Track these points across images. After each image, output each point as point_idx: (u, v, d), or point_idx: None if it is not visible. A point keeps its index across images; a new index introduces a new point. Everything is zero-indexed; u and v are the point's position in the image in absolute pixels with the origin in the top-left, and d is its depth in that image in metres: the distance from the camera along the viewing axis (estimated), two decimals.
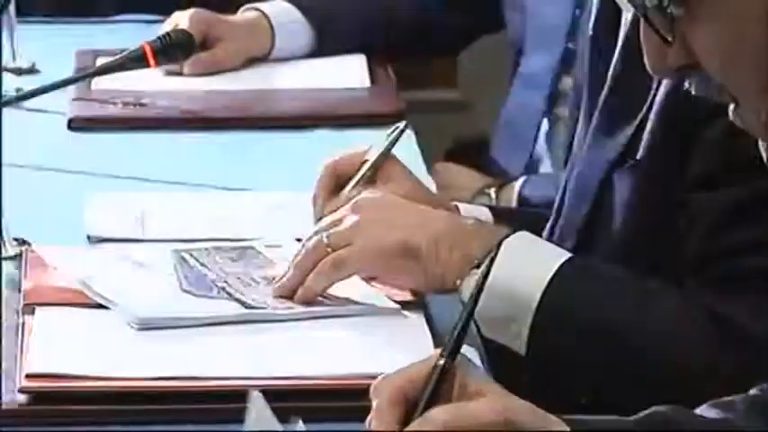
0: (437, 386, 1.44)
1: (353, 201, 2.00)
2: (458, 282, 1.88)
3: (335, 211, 2.01)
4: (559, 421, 1.50)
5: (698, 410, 1.57)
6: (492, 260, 1.53)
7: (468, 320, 1.47)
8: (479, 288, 1.48)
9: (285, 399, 1.60)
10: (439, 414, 1.40)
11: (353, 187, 2.06)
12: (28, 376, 1.75)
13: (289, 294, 1.95)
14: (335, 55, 2.79)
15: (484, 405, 1.45)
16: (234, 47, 2.75)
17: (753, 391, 1.55)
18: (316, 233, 1.97)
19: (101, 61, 2.50)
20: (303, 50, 2.79)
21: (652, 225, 1.89)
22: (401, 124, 2.18)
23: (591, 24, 1.98)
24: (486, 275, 1.50)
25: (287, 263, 1.99)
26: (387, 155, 2.10)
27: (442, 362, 1.44)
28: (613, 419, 1.56)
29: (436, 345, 1.78)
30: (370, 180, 2.07)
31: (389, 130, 2.17)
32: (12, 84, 2.55)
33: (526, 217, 2.08)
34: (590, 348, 1.86)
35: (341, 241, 1.92)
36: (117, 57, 2.42)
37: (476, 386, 1.48)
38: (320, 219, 2.03)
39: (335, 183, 2.10)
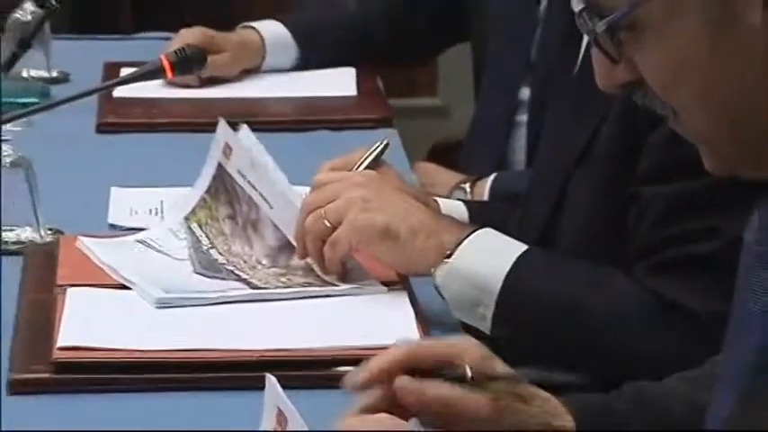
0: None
1: (351, 178, 2.02)
2: (432, 269, 1.91)
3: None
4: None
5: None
6: None
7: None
8: None
9: (285, 368, 1.65)
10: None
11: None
12: (59, 348, 1.78)
13: (303, 257, 1.97)
14: (318, 68, 2.82)
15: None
16: (229, 57, 2.77)
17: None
18: (312, 203, 1.97)
19: (124, 72, 2.52)
20: (289, 64, 2.83)
21: (608, 217, 1.91)
22: (385, 140, 2.18)
23: (553, 41, 1.99)
24: None
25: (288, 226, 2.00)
26: (378, 160, 2.11)
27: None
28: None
29: (418, 321, 1.85)
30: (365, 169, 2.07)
31: (378, 142, 2.17)
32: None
33: (496, 209, 2.09)
34: (547, 329, 1.90)
35: (335, 217, 1.93)
36: (138, 69, 2.43)
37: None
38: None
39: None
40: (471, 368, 1.47)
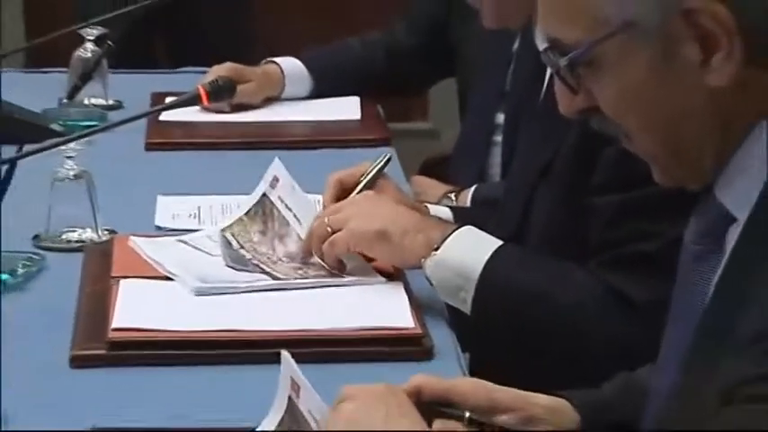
0: None
1: (350, 197, 2.04)
2: (422, 260, 1.90)
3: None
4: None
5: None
6: None
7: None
8: None
9: (300, 345, 1.64)
10: None
11: (356, 194, 2.06)
12: (113, 329, 1.79)
13: (307, 256, 1.98)
14: (329, 96, 2.80)
15: None
16: (255, 87, 2.75)
17: None
18: (322, 217, 1.98)
19: (168, 100, 2.51)
20: (305, 93, 2.81)
21: (566, 220, 1.90)
22: (387, 155, 2.19)
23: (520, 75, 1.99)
24: None
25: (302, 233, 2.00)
26: (380, 173, 2.11)
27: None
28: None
29: (411, 306, 1.85)
30: (369, 189, 2.07)
31: (380, 157, 2.17)
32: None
33: (477, 213, 2.07)
34: (517, 311, 1.88)
35: (337, 225, 1.94)
36: (179, 97, 2.43)
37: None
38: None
39: (340, 189, 2.10)
40: (472, 411, 1.43)
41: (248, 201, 2.09)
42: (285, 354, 1.44)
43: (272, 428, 1.43)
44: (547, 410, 1.49)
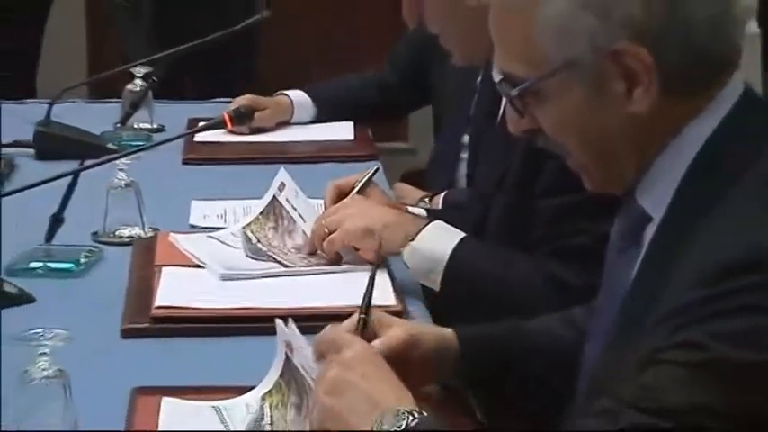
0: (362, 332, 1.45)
1: (342, 203, 2.03)
2: (400, 249, 1.90)
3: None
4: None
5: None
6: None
7: (370, 292, 1.50)
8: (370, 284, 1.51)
9: (305, 320, 1.58)
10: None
11: (351, 197, 2.06)
12: (156, 307, 1.79)
13: (312, 252, 1.97)
14: (328, 122, 2.79)
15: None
16: (269, 114, 2.73)
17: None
18: (321, 219, 1.98)
19: (200, 124, 2.52)
20: (309, 119, 2.79)
21: (517, 220, 1.90)
22: (374, 166, 2.21)
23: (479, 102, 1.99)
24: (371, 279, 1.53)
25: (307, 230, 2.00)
26: (369, 182, 2.11)
27: (362, 316, 1.46)
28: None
29: (393, 287, 1.85)
30: (360, 194, 2.08)
31: (369, 169, 2.19)
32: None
33: (446, 214, 2.06)
34: (475, 290, 1.88)
35: (333, 226, 1.93)
36: (209, 122, 2.44)
37: (388, 321, 1.50)
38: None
39: (338, 193, 2.11)
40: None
41: (262, 203, 2.09)
42: (278, 321, 1.43)
43: (273, 382, 1.43)
44: (437, 337, 1.50)
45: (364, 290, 1.51)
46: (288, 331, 1.41)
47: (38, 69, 4.15)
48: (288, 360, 1.42)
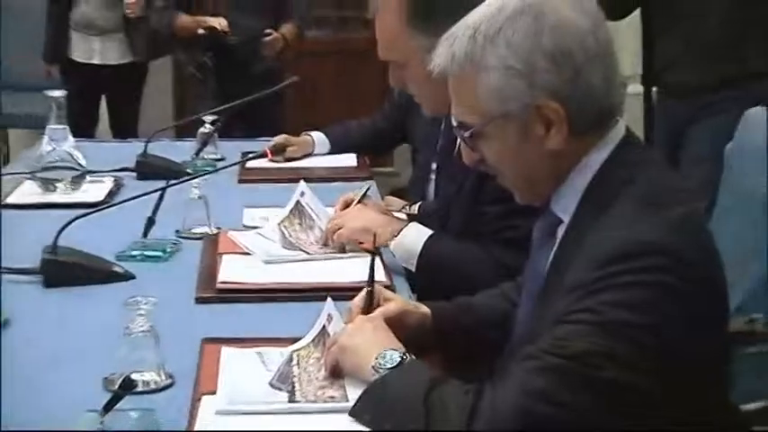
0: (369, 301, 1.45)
1: (348, 210, 2.02)
2: (388, 242, 1.88)
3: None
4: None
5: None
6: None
7: (372, 273, 1.49)
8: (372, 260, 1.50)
9: (323, 291, 1.60)
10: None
11: (354, 206, 2.04)
12: (219, 282, 1.77)
13: (325, 243, 1.95)
14: (339, 153, 2.76)
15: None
16: (297, 148, 2.71)
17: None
18: (332, 220, 1.97)
19: (250, 155, 2.52)
20: (325, 151, 2.76)
21: (470, 222, 1.86)
22: (370, 184, 2.22)
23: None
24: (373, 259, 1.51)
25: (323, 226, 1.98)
26: (366, 195, 2.10)
27: (368, 289, 1.46)
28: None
29: (384, 269, 1.81)
30: (360, 203, 2.05)
31: (366, 185, 2.19)
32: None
33: (421, 218, 2.03)
34: (441, 270, 1.84)
35: (341, 225, 1.92)
36: (256, 153, 2.45)
37: (388, 295, 1.50)
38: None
39: (345, 203, 2.09)
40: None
41: (290, 205, 2.06)
42: (329, 299, 1.44)
43: (305, 343, 1.42)
44: (419, 310, 1.49)
45: (367, 271, 1.50)
46: (332, 307, 1.42)
47: (139, 117, 4.17)
48: (323, 329, 1.41)
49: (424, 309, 1.50)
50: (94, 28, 3.85)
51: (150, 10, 3.80)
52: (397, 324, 1.38)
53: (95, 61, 3.90)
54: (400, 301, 1.51)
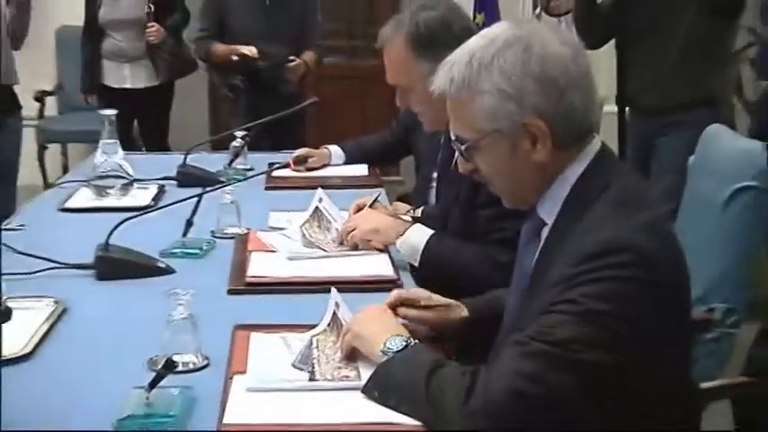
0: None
1: (360, 213, 2.00)
2: (395, 241, 1.86)
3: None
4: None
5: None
6: None
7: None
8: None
9: (338, 284, 1.58)
10: None
11: (365, 210, 2.03)
12: (248, 276, 1.76)
13: (340, 242, 1.93)
14: (352, 164, 2.74)
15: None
16: (317, 159, 2.69)
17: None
18: (346, 222, 1.95)
19: (275, 165, 2.51)
20: (341, 162, 2.74)
21: (466, 223, 1.85)
22: (379, 191, 2.20)
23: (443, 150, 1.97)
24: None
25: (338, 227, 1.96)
26: (376, 200, 2.08)
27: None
28: None
29: (392, 265, 1.80)
30: (371, 208, 2.04)
31: (376, 192, 2.17)
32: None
33: (424, 220, 2.01)
34: (441, 266, 1.81)
35: (354, 225, 1.91)
36: (280, 163, 2.44)
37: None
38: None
39: (357, 207, 2.07)
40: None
41: (309, 209, 2.05)
42: (333, 289, 1.44)
43: (322, 329, 1.41)
44: (454, 305, 1.47)
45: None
46: (337, 296, 1.42)
47: (168, 132, 4.17)
48: (335, 315, 1.41)
49: (456, 304, 1.48)
50: (124, 56, 3.88)
51: (191, 40, 3.85)
52: (440, 318, 1.41)
53: (127, 86, 3.93)
54: (438, 299, 1.47)
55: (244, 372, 1.30)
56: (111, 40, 3.90)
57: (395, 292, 1.44)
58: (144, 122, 4.08)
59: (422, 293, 1.46)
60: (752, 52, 3.33)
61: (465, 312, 1.45)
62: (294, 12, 3.61)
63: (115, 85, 3.94)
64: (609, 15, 2.88)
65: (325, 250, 1.93)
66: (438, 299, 1.46)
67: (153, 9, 3.82)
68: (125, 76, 3.93)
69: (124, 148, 2.37)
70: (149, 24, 3.83)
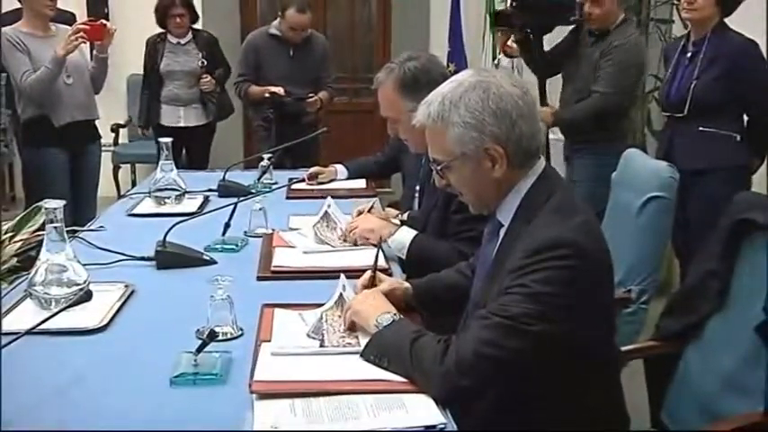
0: (372, 279, 1.44)
1: (360, 217, 1.97)
2: (387, 238, 1.83)
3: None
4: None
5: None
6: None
7: (376, 260, 1.46)
8: (377, 251, 1.46)
9: (340, 272, 1.55)
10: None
11: (364, 215, 1.99)
12: (273, 266, 1.74)
13: (344, 239, 1.90)
14: (354, 179, 2.70)
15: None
16: (325, 176, 2.66)
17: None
18: (349, 224, 1.92)
19: (294, 180, 2.49)
20: (344, 178, 2.70)
21: (442, 226, 1.83)
22: (375, 200, 2.17)
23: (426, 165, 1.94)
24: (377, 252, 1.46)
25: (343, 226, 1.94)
26: (372, 207, 2.06)
27: (371, 274, 1.44)
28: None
29: (385, 257, 1.74)
30: (368, 212, 2.01)
31: (372, 201, 2.14)
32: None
33: (410, 222, 1.99)
34: (423, 259, 1.79)
35: (355, 226, 1.88)
36: (298, 179, 2.41)
37: (382, 277, 1.47)
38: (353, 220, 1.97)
39: (358, 213, 2.03)
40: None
41: (320, 214, 2.02)
42: (342, 275, 1.43)
43: (330, 305, 1.40)
44: (404, 286, 1.46)
45: (373, 258, 1.48)
46: (344, 280, 1.41)
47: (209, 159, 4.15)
48: (341, 295, 1.40)
49: (406, 284, 1.49)
50: (180, 101, 3.88)
51: (233, 84, 3.84)
52: (390, 296, 1.39)
53: (181, 125, 3.92)
54: (391, 280, 1.50)
55: (269, 340, 1.30)
56: (168, 87, 3.89)
57: (367, 274, 1.44)
58: (190, 151, 4.07)
59: (382, 276, 1.47)
60: (657, 93, 3.36)
61: (410, 290, 1.46)
62: (312, 61, 3.65)
63: (171, 125, 3.92)
64: (551, 60, 3.01)
65: (332, 246, 1.91)
66: (390, 280, 1.46)
67: (205, 63, 3.84)
68: (180, 116, 3.91)
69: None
70: (203, 76, 3.84)
